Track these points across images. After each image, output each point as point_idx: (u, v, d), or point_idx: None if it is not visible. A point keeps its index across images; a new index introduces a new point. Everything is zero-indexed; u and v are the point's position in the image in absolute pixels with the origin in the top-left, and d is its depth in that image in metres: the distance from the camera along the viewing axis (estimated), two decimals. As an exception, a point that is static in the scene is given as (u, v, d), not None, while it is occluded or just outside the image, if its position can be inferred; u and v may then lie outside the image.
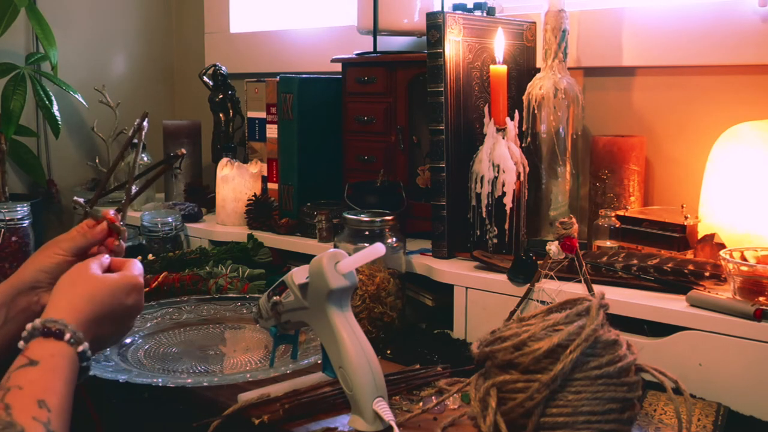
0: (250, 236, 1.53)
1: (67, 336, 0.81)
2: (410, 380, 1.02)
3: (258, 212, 1.59)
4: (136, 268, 0.95)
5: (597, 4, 1.45)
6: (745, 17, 1.26)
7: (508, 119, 1.28)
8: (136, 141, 1.09)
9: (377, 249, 0.88)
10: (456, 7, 1.43)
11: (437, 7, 1.49)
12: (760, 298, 0.98)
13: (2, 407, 0.70)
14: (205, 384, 0.98)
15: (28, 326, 0.81)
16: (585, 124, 1.41)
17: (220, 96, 1.86)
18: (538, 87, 1.34)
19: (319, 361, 0.98)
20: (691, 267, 1.09)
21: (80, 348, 0.81)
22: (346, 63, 1.54)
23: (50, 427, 0.71)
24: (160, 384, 0.97)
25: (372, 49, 1.54)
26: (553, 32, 1.33)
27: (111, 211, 1.03)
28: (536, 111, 1.34)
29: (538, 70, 1.38)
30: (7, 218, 1.48)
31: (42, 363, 0.77)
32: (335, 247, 1.24)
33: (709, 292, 1.04)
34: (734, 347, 0.96)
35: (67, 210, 2.03)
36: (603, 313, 0.78)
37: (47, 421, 0.71)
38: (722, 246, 1.13)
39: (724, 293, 1.03)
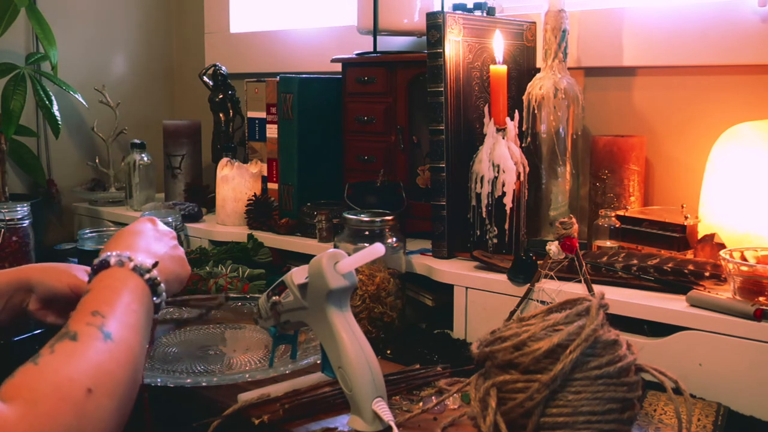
0: (250, 236, 1.53)
1: (113, 260, 0.82)
2: (410, 380, 1.02)
3: (258, 212, 1.59)
4: None
5: (597, 4, 1.45)
6: (745, 17, 1.26)
7: (508, 119, 1.28)
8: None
9: (377, 249, 0.88)
10: (456, 7, 1.43)
11: (437, 7, 1.49)
12: (760, 298, 0.98)
13: (64, 327, 0.72)
14: (204, 384, 0.98)
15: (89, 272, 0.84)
16: (585, 124, 1.41)
17: (220, 96, 1.86)
18: (538, 87, 1.34)
19: (318, 361, 0.98)
20: (691, 267, 1.09)
21: (131, 264, 0.82)
22: (346, 63, 1.54)
23: (105, 328, 0.71)
24: (160, 384, 0.96)
25: (372, 49, 1.54)
26: (553, 32, 1.33)
27: None
28: (536, 111, 1.34)
29: (538, 70, 1.37)
30: (7, 218, 1.48)
31: (93, 288, 0.79)
32: (335, 247, 1.24)
33: (709, 292, 1.04)
34: (734, 347, 0.96)
35: (68, 210, 2.03)
36: (603, 313, 0.78)
37: (100, 324, 0.72)
38: (722, 246, 1.13)
39: (724, 293, 1.03)
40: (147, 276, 0.82)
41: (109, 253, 0.83)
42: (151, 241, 0.91)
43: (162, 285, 0.84)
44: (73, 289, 0.99)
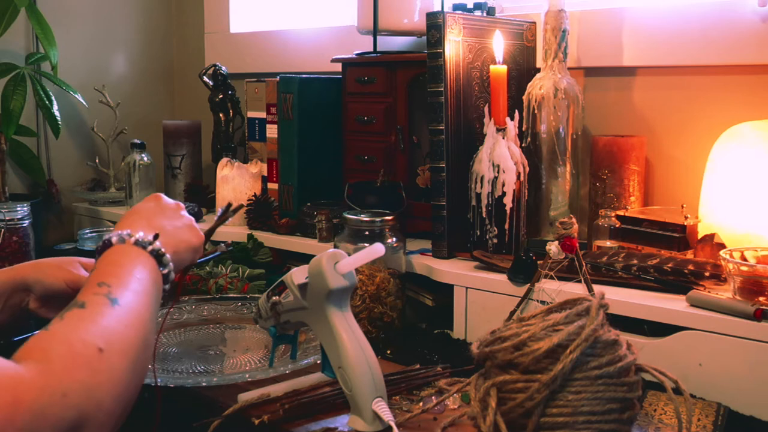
0: (250, 236, 1.52)
1: (114, 238, 0.83)
2: (410, 380, 1.02)
3: (258, 212, 1.59)
4: None
5: (597, 4, 1.45)
6: (745, 17, 1.26)
7: (508, 119, 1.28)
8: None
9: (377, 249, 0.88)
10: (456, 7, 1.43)
11: (437, 7, 1.49)
12: (760, 298, 0.98)
13: (74, 303, 0.73)
14: (204, 384, 0.98)
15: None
16: (585, 124, 1.41)
17: (220, 96, 1.86)
18: (538, 87, 1.34)
19: (318, 361, 0.98)
20: (691, 267, 1.09)
21: (132, 239, 0.83)
22: (346, 63, 1.54)
23: (111, 295, 0.73)
24: (160, 384, 0.96)
25: (372, 49, 1.54)
26: (553, 32, 1.33)
27: None
28: (536, 111, 1.34)
29: (538, 70, 1.37)
30: (7, 218, 1.48)
31: (99, 265, 0.80)
32: (335, 247, 1.24)
33: (709, 292, 1.04)
34: (734, 347, 0.96)
35: (67, 210, 2.03)
36: (603, 313, 0.78)
37: (107, 292, 0.73)
38: (722, 246, 1.13)
39: (724, 293, 1.02)
40: (150, 248, 0.83)
41: (110, 235, 0.84)
42: (153, 215, 0.91)
43: (167, 255, 0.84)
44: (69, 285, 1.00)
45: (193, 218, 0.97)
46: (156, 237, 0.85)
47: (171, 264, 0.85)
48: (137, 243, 0.83)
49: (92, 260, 0.99)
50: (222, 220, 1.05)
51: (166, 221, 0.92)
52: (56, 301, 1.00)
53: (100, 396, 0.65)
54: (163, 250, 0.84)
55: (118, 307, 0.72)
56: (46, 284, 1.00)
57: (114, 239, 0.83)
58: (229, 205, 1.06)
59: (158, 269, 0.84)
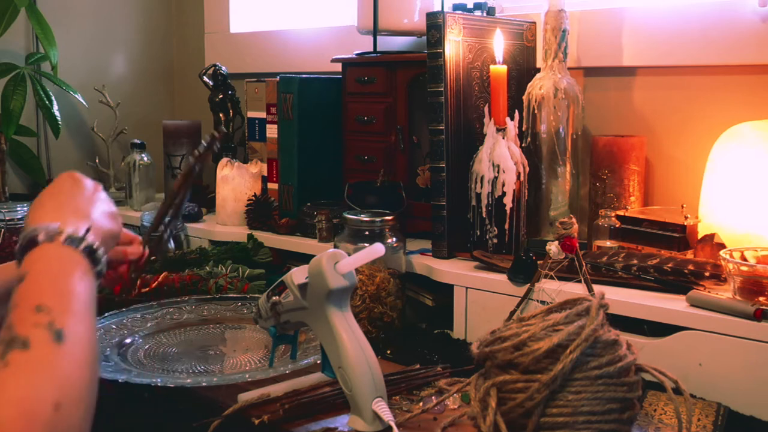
0: (250, 236, 1.52)
1: (41, 236, 0.73)
2: (410, 380, 1.02)
3: (258, 212, 1.59)
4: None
5: (597, 4, 1.45)
6: (745, 17, 1.26)
7: (508, 119, 1.28)
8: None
9: (377, 249, 0.88)
10: (456, 7, 1.43)
11: (437, 7, 1.49)
12: (760, 298, 0.98)
13: (6, 330, 0.64)
14: (204, 384, 0.98)
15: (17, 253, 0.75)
16: (585, 124, 1.41)
17: (220, 96, 1.86)
18: (538, 87, 1.34)
19: (318, 361, 0.98)
20: (691, 267, 1.09)
21: (62, 237, 0.74)
22: (346, 63, 1.54)
23: (54, 327, 0.64)
24: (160, 384, 0.96)
25: (372, 49, 1.54)
26: (553, 32, 1.33)
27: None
28: (536, 111, 1.34)
29: (538, 70, 1.37)
30: (7, 218, 1.48)
31: (30, 272, 0.70)
32: (335, 247, 1.24)
33: (709, 292, 1.04)
34: (734, 347, 0.96)
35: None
36: (603, 313, 0.78)
37: (48, 322, 0.64)
38: (722, 246, 1.13)
39: (724, 293, 1.02)
40: (83, 245, 0.74)
41: (35, 227, 0.74)
42: (76, 200, 0.83)
43: (100, 250, 0.76)
44: None
45: (111, 200, 0.89)
46: (88, 231, 0.76)
47: (104, 259, 0.76)
48: (68, 240, 0.74)
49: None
50: (205, 153, 0.96)
51: (91, 205, 0.84)
52: None
53: None
54: (95, 245, 0.75)
55: (65, 344, 0.64)
56: None
57: (41, 237, 0.73)
58: (213, 137, 0.96)
59: (92, 269, 0.75)
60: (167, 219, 0.99)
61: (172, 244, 0.99)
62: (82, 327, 0.67)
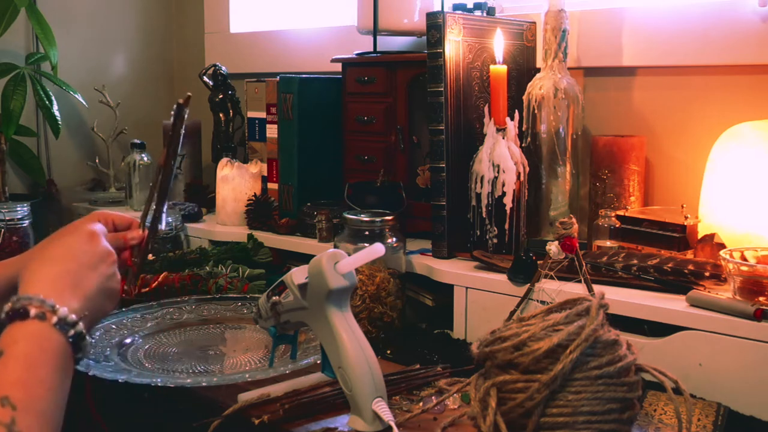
0: (250, 236, 1.52)
1: (33, 311, 0.70)
2: (410, 380, 1.02)
3: (258, 212, 1.59)
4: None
5: (597, 4, 1.45)
6: (745, 17, 1.26)
7: (508, 119, 1.28)
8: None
9: (377, 249, 0.88)
10: (456, 7, 1.43)
11: (437, 7, 1.49)
12: (760, 298, 0.98)
13: None
14: (204, 384, 0.98)
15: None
16: (585, 124, 1.41)
17: (220, 96, 1.86)
18: (538, 87, 1.34)
19: (318, 361, 0.98)
20: (691, 267, 1.09)
21: (54, 318, 0.70)
22: (346, 63, 1.54)
23: (15, 428, 0.61)
24: (160, 384, 0.96)
25: (372, 49, 1.54)
26: (553, 32, 1.33)
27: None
28: (536, 111, 1.34)
29: (538, 70, 1.37)
30: (7, 218, 1.48)
31: (6, 352, 0.67)
32: (335, 247, 1.24)
33: (709, 292, 1.04)
34: (734, 347, 0.96)
35: (68, 210, 2.03)
36: (603, 313, 0.78)
37: (10, 420, 0.61)
38: (722, 246, 1.13)
39: (724, 293, 1.02)
40: (72, 332, 0.71)
41: (30, 297, 0.71)
42: (85, 271, 0.78)
43: (87, 339, 0.73)
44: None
45: (118, 275, 0.84)
46: (82, 318, 0.73)
47: (88, 347, 0.73)
48: (59, 324, 0.70)
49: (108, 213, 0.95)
50: (180, 119, 0.92)
51: (95, 282, 0.79)
52: None
53: None
54: (84, 332, 0.72)
55: None
56: None
57: (32, 311, 0.69)
58: (179, 105, 0.91)
59: (73, 357, 0.71)
60: (156, 196, 0.98)
61: (164, 223, 0.98)
62: (45, 427, 0.64)
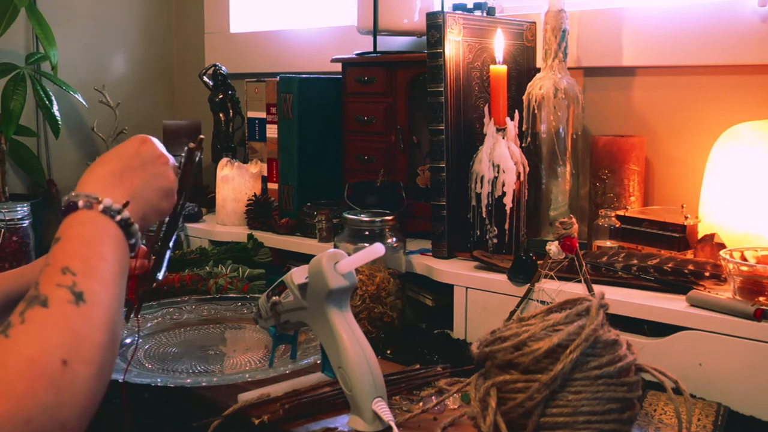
0: (250, 236, 1.52)
1: (81, 202, 0.75)
2: (410, 380, 1.02)
3: (258, 212, 1.59)
4: None
5: (597, 4, 1.45)
6: (745, 17, 1.26)
7: (508, 119, 1.28)
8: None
9: (377, 249, 0.88)
10: (456, 7, 1.43)
11: (437, 7, 1.49)
12: (760, 298, 0.98)
13: (33, 288, 0.68)
14: (204, 384, 0.98)
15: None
16: (585, 124, 1.41)
17: (220, 96, 1.86)
18: (538, 87, 1.34)
19: (318, 361, 0.98)
20: (691, 267, 1.09)
21: (100, 206, 0.76)
22: (346, 63, 1.54)
23: (76, 289, 0.67)
24: (160, 384, 0.96)
25: (372, 49, 1.54)
26: (553, 32, 1.33)
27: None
28: (536, 111, 1.34)
29: (538, 70, 1.37)
30: (7, 218, 1.48)
31: (63, 237, 0.73)
32: (335, 247, 1.24)
33: (709, 292, 1.04)
34: (734, 347, 0.96)
35: (67, 210, 2.03)
36: (603, 313, 0.78)
37: (72, 283, 0.67)
38: (722, 246, 1.13)
39: (724, 293, 1.02)
40: (118, 218, 0.76)
41: (77, 194, 0.77)
42: (130, 170, 0.83)
43: (135, 225, 0.78)
44: None
45: (173, 175, 0.88)
46: (126, 205, 0.78)
47: (138, 234, 0.78)
48: (105, 211, 0.76)
49: None
50: (190, 163, 0.92)
51: (142, 179, 0.83)
52: None
53: (65, 416, 0.61)
54: (132, 219, 0.77)
55: (83, 305, 0.67)
56: None
57: (81, 203, 0.76)
58: (190, 149, 0.92)
59: (125, 241, 0.77)
60: (163, 236, 0.97)
61: (163, 270, 0.98)
62: (104, 291, 0.70)
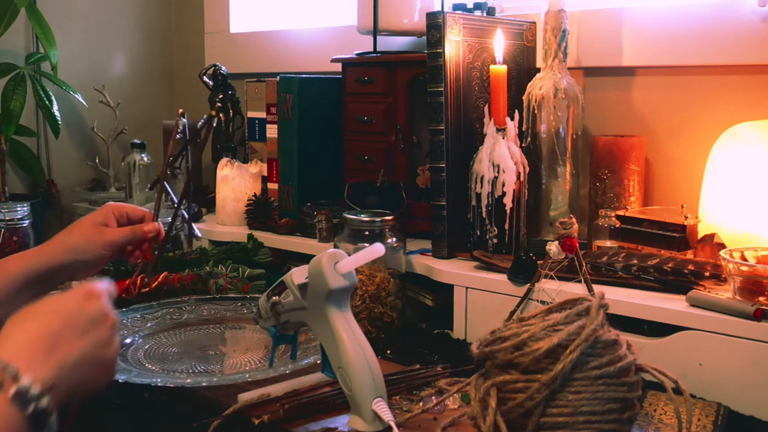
0: (250, 236, 1.52)
1: None
2: (410, 380, 1.02)
3: (258, 212, 1.59)
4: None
5: (597, 4, 1.45)
6: (745, 17, 1.26)
7: (508, 119, 1.28)
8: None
9: (377, 249, 0.88)
10: (456, 7, 1.43)
11: (437, 7, 1.49)
12: (760, 298, 0.98)
13: None
14: (204, 384, 0.98)
15: None
16: (585, 124, 1.41)
17: (220, 96, 1.86)
18: (538, 87, 1.34)
19: (318, 361, 0.98)
20: (691, 267, 1.09)
21: (12, 390, 0.61)
22: (346, 63, 1.54)
23: None
24: (160, 384, 0.96)
25: (372, 49, 1.54)
26: (553, 32, 1.33)
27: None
28: (536, 111, 1.34)
29: (538, 70, 1.37)
30: (7, 218, 1.48)
31: None
32: (335, 247, 1.24)
33: (709, 292, 1.04)
34: (734, 347, 0.96)
35: (68, 210, 2.03)
36: (603, 313, 0.78)
37: None
38: (722, 246, 1.13)
39: (724, 293, 1.02)
40: (30, 409, 0.61)
41: None
42: (69, 335, 0.67)
43: (53, 415, 0.63)
44: (107, 250, 1.00)
45: (118, 344, 0.74)
46: (50, 389, 0.63)
47: (54, 425, 0.63)
48: (17, 397, 0.61)
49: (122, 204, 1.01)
50: (208, 129, 0.90)
51: (79, 349, 0.68)
52: (99, 267, 1.02)
53: None
54: (50, 408, 0.62)
55: None
56: (88, 262, 0.98)
57: None
58: (210, 116, 0.88)
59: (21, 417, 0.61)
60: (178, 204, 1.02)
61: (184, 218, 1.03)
62: None
